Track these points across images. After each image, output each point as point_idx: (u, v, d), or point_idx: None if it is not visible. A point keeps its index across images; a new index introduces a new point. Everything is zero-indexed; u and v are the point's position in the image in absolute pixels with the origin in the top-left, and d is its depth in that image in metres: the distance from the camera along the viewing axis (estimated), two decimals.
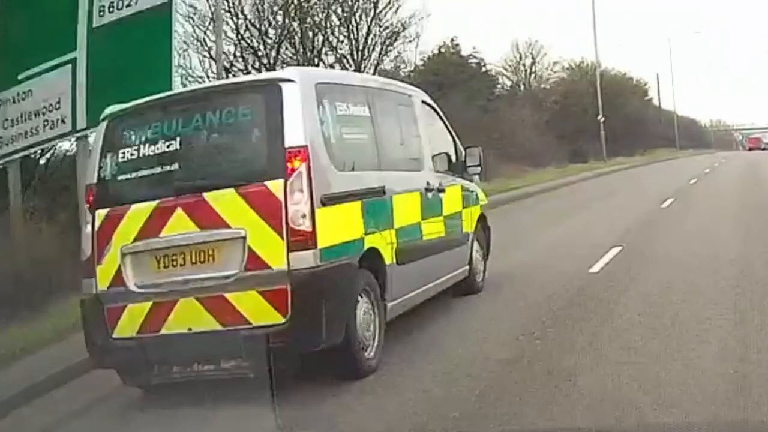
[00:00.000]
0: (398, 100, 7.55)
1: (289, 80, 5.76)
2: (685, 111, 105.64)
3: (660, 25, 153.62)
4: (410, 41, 27.82)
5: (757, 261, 9.03)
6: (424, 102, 8.21)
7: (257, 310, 5.47)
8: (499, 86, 46.89)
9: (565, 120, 47.03)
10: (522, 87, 48.68)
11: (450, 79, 37.11)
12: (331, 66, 24.84)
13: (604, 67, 59.18)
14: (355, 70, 24.86)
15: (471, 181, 8.76)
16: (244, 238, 5.50)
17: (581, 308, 7.50)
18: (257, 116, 5.76)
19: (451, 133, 8.58)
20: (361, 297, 5.99)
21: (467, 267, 8.24)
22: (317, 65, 23.46)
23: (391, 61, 31.56)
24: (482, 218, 8.91)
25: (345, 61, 25.43)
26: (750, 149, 74.36)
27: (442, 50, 38.44)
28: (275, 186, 5.50)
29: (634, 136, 58.65)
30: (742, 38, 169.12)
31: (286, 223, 5.45)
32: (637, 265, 9.60)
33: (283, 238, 5.44)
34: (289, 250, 5.44)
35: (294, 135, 5.55)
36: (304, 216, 5.46)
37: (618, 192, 22.16)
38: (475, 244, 8.54)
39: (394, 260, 6.49)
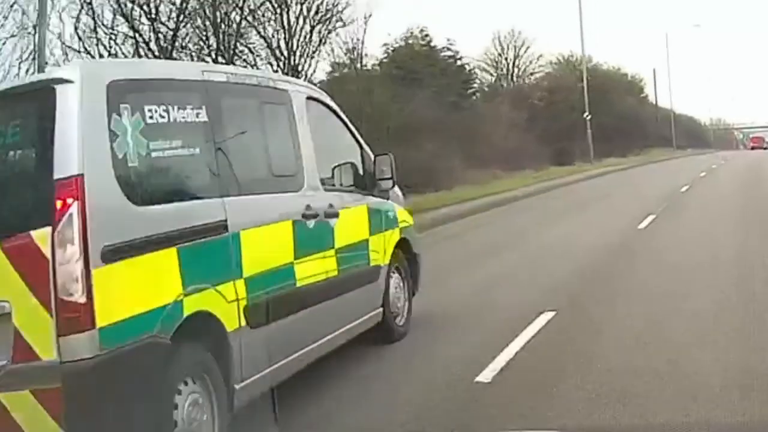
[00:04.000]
0: (263, 98, 5.85)
1: (65, 81, 4.34)
2: (684, 109, 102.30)
3: (657, 19, 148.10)
4: (345, 25, 23.67)
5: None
6: (312, 99, 6.38)
7: (33, 420, 4.13)
8: (477, 82, 43.23)
9: (551, 118, 43.33)
10: (504, 83, 44.86)
11: (417, 72, 33.42)
12: (254, 65, 20.90)
13: (596, 61, 55.71)
14: (286, 64, 21.09)
15: (386, 198, 6.99)
16: (9, 314, 4.18)
17: None
18: (27, 135, 4.47)
19: (357, 139, 6.90)
20: (186, 385, 4.51)
21: (380, 309, 6.69)
22: (232, 60, 19.53)
23: (346, 53, 27.91)
24: (405, 245, 7.26)
25: (274, 52, 21.56)
26: (752, 148, 71.74)
27: (410, 41, 34.67)
28: (41, 237, 4.15)
29: (629, 136, 55.42)
30: (744, 33, 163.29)
31: (54, 291, 4.08)
32: (570, 348, 5.86)
33: (51, 315, 4.11)
34: (59, 332, 4.08)
35: (65, 160, 4.18)
36: (76, 280, 4.08)
37: (591, 205, 18.31)
38: (394, 278, 7.00)
39: (244, 323, 4.94)
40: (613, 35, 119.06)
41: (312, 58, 21.89)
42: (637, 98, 66.06)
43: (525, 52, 44.97)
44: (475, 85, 41.33)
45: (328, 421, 4.97)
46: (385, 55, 33.39)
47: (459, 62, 38.52)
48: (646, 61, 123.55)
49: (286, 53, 21.47)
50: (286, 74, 21.57)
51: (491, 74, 44.37)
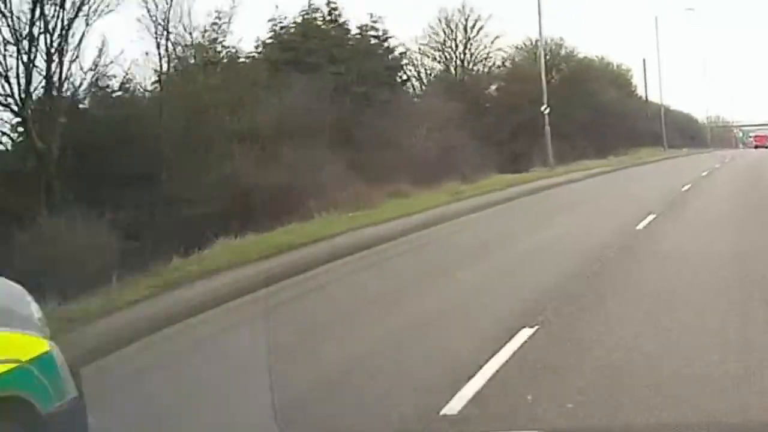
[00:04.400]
0: None
1: None
2: (679, 105, 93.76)
3: (647, 6, 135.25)
4: None
5: None
6: None
7: None
8: (417, 69, 35.34)
9: (507, 113, 35.50)
10: (454, 71, 36.76)
11: (315, 55, 25.59)
12: None
13: (572, 47, 47.87)
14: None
15: None
16: None
17: None
18: None
19: None
20: None
21: None
22: None
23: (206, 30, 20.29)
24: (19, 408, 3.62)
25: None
26: (756, 147, 65.80)
27: (308, 16, 26.75)
28: None
29: (613, 134, 47.81)
30: (741, 22, 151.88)
31: None
32: None
33: None
34: None
35: None
36: None
37: (463, 267, 10.09)
38: None
39: None
40: (598, 22, 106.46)
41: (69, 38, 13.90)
42: (623, 91, 58.35)
43: (478, 33, 36.98)
44: (408, 73, 33.43)
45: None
46: (272, 33, 25.55)
47: (386, 44, 30.59)
48: (634, 52, 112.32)
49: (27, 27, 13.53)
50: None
51: (438, 60, 36.34)
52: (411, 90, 33.72)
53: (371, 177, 21.05)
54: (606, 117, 47.56)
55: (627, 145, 51.40)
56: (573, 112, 43.41)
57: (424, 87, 34.99)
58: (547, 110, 30.19)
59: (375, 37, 30.21)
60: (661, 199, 16.95)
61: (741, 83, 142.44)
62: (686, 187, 20.37)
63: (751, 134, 78.13)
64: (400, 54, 31.29)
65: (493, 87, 38.35)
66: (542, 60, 32.49)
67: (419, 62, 35.07)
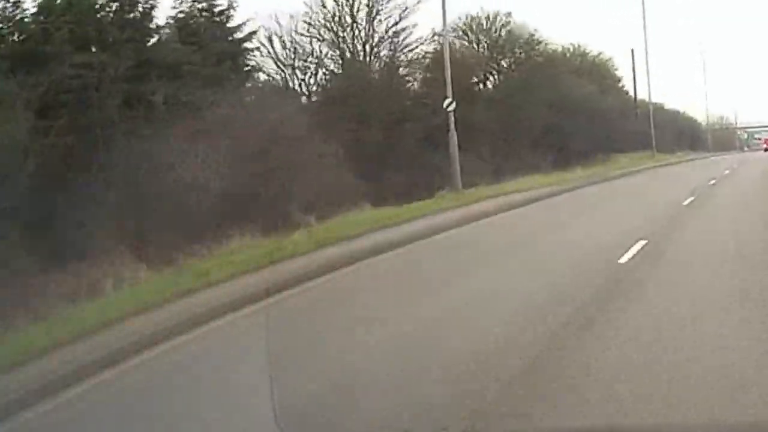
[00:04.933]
0: None
1: None
2: (675, 103, 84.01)
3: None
4: None
5: None
6: None
7: None
8: (291, 56, 25.66)
9: (422, 116, 25.80)
10: (349, 56, 26.86)
11: (62, 41, 15.89)
12: None
13: (533, 28, 38.50)
14: None
15: None
16: None
17: None
18: None
19: None
20: None
21: None
22: None
23: None
24: None
25: None
26: (766, 150, 60.69)
27: None
28: None
29: (589, 137, 38.33)
30: (745, 10, 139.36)
31: None
32: None
33: None
34: None
35: None
36: None
37: None
38: None
39: None
40: (577, 7, 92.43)
41: None
42: (603, 86, 49.07)
43: (385, 4, 26.93)
44: (255, 60, 23.67)
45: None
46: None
47: (222, 19, 20.84)
48: (622, 43, 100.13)
49: None
50: None
51: (322, 40, 26.37)
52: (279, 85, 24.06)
53: (64, 252, 11.36)
54: (579, 117, 38.54)
55: (609, 150, 42.79)
56: (530, 110, 34.21)
57: (304, 83, 25.32)
58: (452, 107, 20.25)
59: (206, 11, 20.56)
60: (568, 286, 7.31)
61: (745, 80, 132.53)
62: (636, 248, 10.57)
63: (756, 136, 70.09)
64: (248, 35, 21.59)
65: (416, 79, 28.57)
66: (444, 26, 22.61)
67: (279, 45, 25.36)
